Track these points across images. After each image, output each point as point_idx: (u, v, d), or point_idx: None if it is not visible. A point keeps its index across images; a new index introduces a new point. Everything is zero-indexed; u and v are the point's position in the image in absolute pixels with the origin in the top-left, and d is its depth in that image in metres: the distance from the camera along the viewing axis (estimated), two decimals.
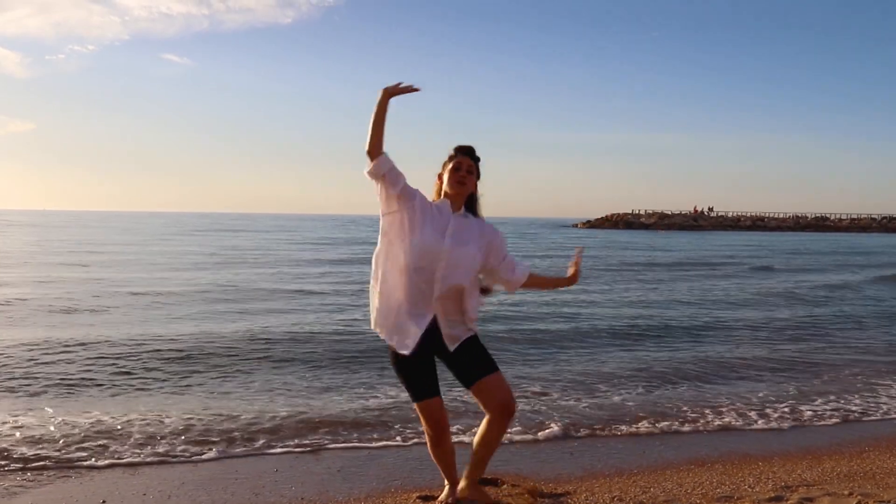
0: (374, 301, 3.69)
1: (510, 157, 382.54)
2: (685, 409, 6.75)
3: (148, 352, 8.68)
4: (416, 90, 3.60)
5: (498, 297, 15.42)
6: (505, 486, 4.68)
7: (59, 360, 8.09)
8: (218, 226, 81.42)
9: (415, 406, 3.77)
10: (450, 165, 3.71)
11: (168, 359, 8.40)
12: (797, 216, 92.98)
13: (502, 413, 3.69)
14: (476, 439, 3.84)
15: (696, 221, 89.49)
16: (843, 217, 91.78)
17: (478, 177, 3.78)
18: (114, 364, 8.05)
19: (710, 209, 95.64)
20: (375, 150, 3.56)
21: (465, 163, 3.70)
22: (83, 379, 7.37)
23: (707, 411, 6.66)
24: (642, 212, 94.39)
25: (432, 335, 3.64)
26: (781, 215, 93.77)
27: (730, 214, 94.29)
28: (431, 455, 3.91)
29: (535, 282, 3.98)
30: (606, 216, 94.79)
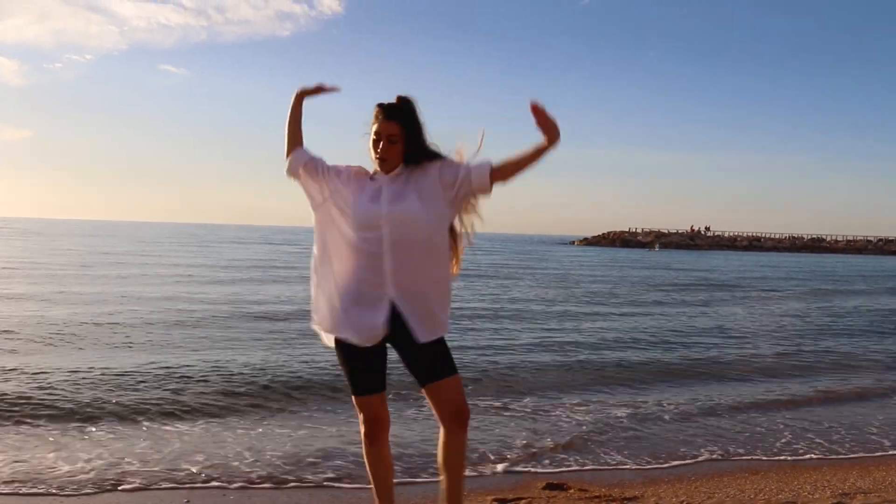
0: (317, 300, 3.26)
1: None
2: (744, 431, 6.65)
3: (209, 378, 8.03)
4: (334, 90, 3.36)
5: (538, 323, 15.45)
6: (572, 490, 4.89)
7: (110, 385, 7.50)
8: (216, 237, 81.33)
9: (352, 399, 3.27)
10: (372, 133, 3.15)
11: (233, 384, 7.80)
12: (793, 237, 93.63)
13: (457, 417, 3.19)
14: (440, 462, 3.28)
15: (693, 241, 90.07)
16: (839, 239, 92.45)
17: (414, 131, 3.14)
18: (183, 391, 7.44)
19: (707, 228, 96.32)
20: (292, 149, 3.34)
21: (384, 133, 3.10)
22: (139, 405, 6.83)
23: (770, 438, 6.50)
24: (639, 230, 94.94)
25: (393, 323, 3.14)
26: (778, 236, 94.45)
27: (726, 234, 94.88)
28: (365, 460, 3.34)
29: (511, 166, 3.12)
30: (604, 234, 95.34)
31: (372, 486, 3.37)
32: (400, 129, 3.10)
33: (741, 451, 6.06)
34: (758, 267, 44.54)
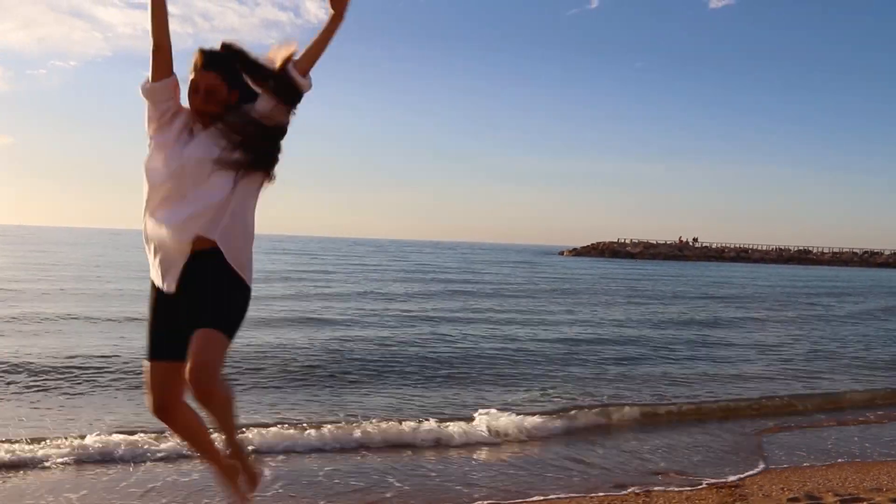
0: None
1: (494, 184, 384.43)
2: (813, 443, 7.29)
3: None
4: None
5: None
6: (673, 474, 5.56)
7: None
8: None
9: (143, 364, 2.97)
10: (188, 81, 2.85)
11: None
12: (780, 248, 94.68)
13: (189, 378, 2.72)
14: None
15: (682, 251, 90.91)
16: (826, 250, 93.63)
17: (237, 83, 2.87)
18: None
19: (695, 240, 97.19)
20: (162, 58, 2.88)
21: (202, 83, 2.81)
22: None
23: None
24: (628, 241, 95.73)
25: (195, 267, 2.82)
26: (765, 247, 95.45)
27: (714, 245, 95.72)
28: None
29: (311, 54, 2.94)
30: (592, 244, 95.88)
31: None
32: (220, 80, 2.83)
33: (811, 455, 6.56)
34: (785, 280, 43.82)
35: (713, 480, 5.49)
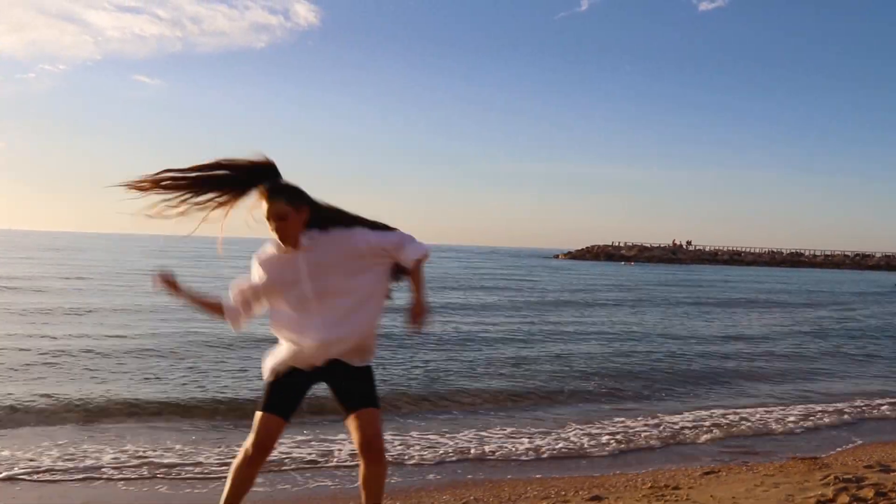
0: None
1: (489, 187, 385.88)
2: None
3: None
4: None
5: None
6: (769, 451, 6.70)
7: None
8: (209, 250, 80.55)
9: (257, 414, 3.39)
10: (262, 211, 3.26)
11: None
12: (772, 251, 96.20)
13: (367, 442, 3.34)
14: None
15: (675, 255, 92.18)
16: (818, 254, 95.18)
17: (299, 205, 3.21)
18: None
19: (689, 243, 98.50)
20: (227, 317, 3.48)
21: (271, 211, 3.18)
22: None
23: None
24: (622, 244, 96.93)
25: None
26: (757, 250, 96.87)
27: (707, 249, 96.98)
28: (231, 474, 3.39)
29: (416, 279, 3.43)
30: (587, 248, 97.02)
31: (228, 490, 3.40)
32: (286, 207, 3.18)
33: (871, 435, 7.89)
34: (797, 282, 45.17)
35: (800, 455, 6.63)
